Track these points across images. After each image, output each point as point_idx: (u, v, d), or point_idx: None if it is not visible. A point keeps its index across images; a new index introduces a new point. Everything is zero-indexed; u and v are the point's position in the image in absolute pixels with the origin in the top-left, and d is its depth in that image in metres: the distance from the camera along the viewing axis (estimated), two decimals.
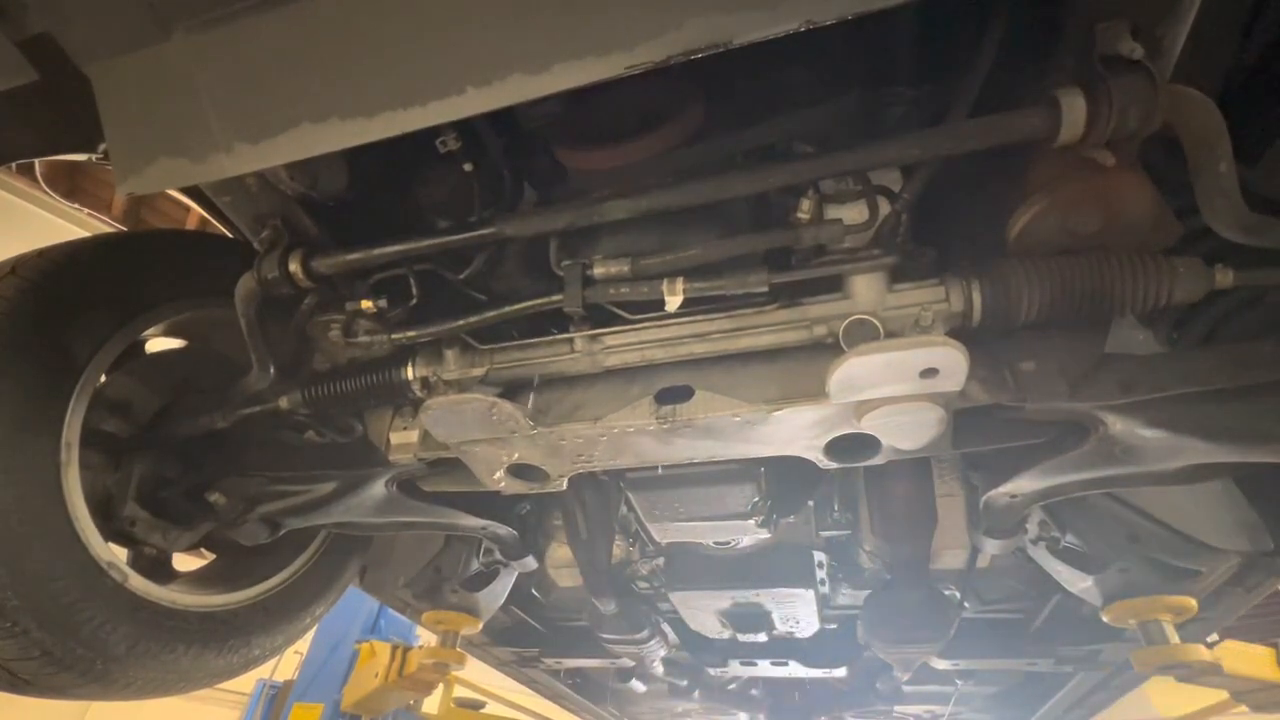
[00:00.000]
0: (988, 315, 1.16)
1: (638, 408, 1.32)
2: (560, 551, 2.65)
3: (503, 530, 2.13)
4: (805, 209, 1.16)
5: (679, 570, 2.54)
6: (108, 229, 5.88)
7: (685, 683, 3.58)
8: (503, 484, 1.53)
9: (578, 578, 2.34)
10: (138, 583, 1.45)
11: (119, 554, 1.46)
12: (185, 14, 0.98)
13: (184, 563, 1.76)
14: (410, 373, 1.43)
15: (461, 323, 1.35)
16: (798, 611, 2.58)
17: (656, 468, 1.73)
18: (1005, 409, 1.28)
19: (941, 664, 2.80)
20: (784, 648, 3.18)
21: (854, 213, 1.21)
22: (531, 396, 1.43)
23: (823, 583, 2.51)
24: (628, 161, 1.24)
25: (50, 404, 1.34)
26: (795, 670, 3.26)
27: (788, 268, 1.22)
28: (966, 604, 2.51)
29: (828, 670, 3.26)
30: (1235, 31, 1.20)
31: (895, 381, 1.13)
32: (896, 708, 4.17)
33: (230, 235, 1.81)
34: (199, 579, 1.75)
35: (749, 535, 2.12)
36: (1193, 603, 1.97)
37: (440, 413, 1.33)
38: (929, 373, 1.10)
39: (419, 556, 2.51)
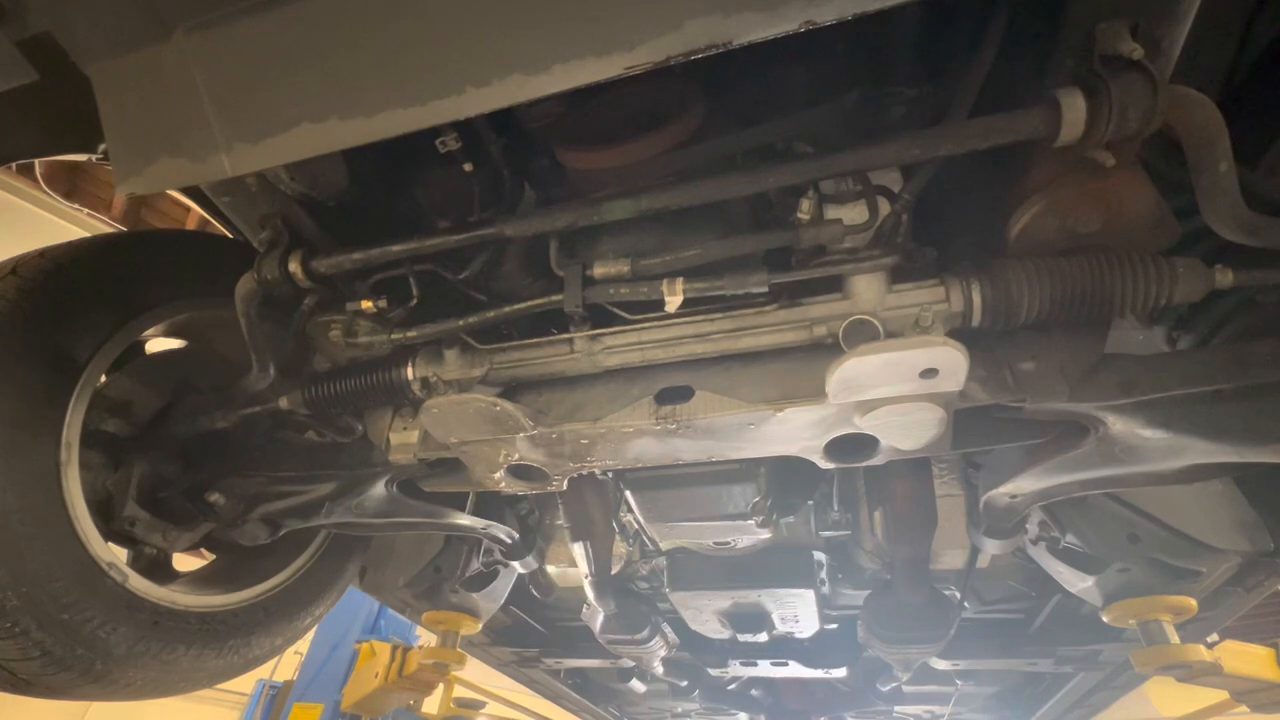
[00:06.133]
0: (988, 315, 1.16)
1: (638, 408, 1.32)
2: (560, 551, 2.65)
3: (503, 530, 2.13)
4: (805, 209, 1.16)
5: (679, 570, 2.54)
6: (108, 229, 5.88)
7: (685, 683, 3.58)
8: (503, 484, 1.53)
9: (578, 578, 2.34)
10: (138, 583, 1.45)
11: (119, 554, 1.46)
12: (185, 14, 0.98)
13: (184, 563, 1.76)
14: (410, 373, 1.43)
15: (461, 323, 1.35)
16: (798, 611, 2.58)
17: (656, 468, 1.73)
18: (1005, 409, 1.28)
19: (941, 664, 2.80)
20: (784, 648, 3.18)
21: (854, 213, 1.21)
22: (531, 397, 1.43)
23: (823, 583, 2.51)
24: (628, 161, 1.24)
25: (50, 404, 1.34)
26: (795, 670, 3.27)
27: (788, 268, 1.22)
28: (966, 604, 2.51)
29: (828, 670, 3.26)
30: (1235, 31, 1.20)
31: (895, 382, 1.13)
32: (896, 708, 4.17)
33: (230, 235, 1.81)
34: (199, 579, 1.75)
35: (749, 535, 2.12)
36: (1193, 603, 1.98)
37: (440, 413, 1.33)
38: (929, 373, 1.10)
39: (419, 556, 2.51)
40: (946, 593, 2.35)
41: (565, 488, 1.56)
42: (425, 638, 4.98)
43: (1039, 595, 2.60)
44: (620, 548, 2.36)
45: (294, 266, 1.30)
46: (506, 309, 1.33)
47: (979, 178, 1.29)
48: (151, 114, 1.03)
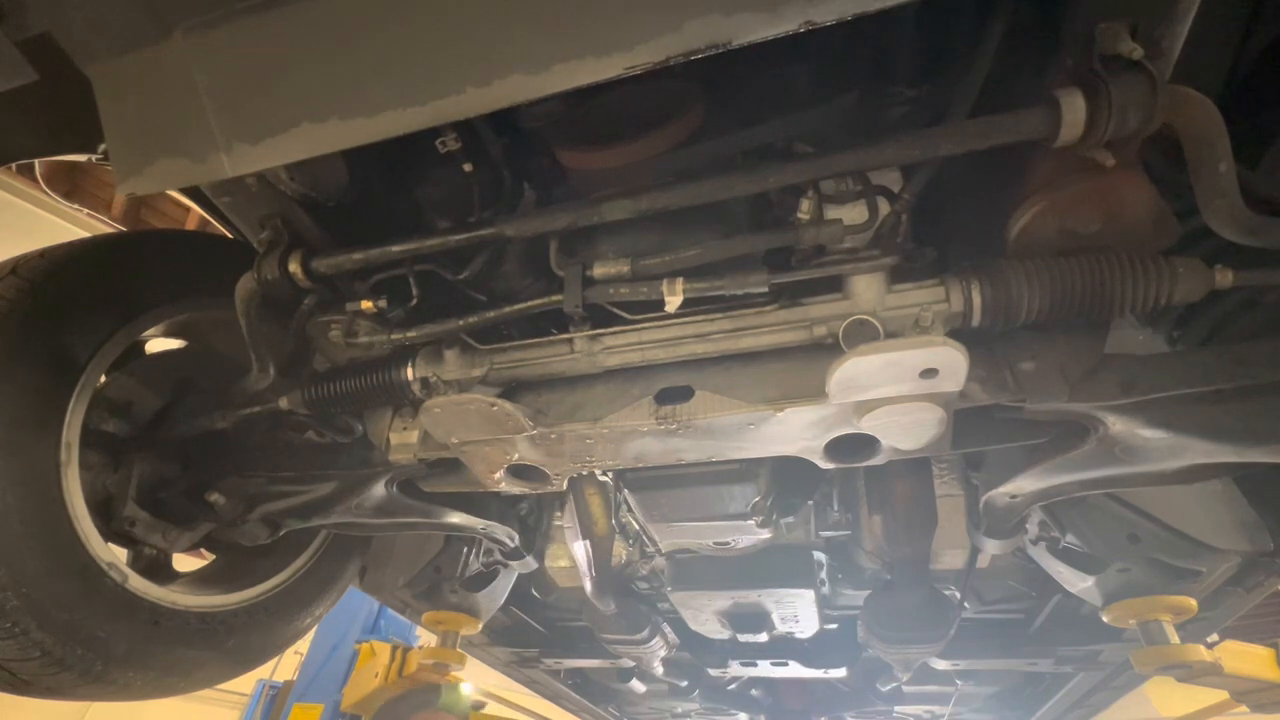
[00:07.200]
0: (988, 315, 1.16)
1: (638, 408, 1.32)
2: (560, 551, 2.65)
3: (503, 531, 2.13)
4: (805, 209, 1.16)
5: (679, 571, 2.54)
6: (108, 229, 5.87)
7: (685, 683, 3.58)
8: (503, 484, 1.53)
9: (578, 578, 2.34)
10: (138, 583, 1.45)
11: (119, 554, 1.46)
12: (185, 14, 0.98)
13: (184, 563, 1.76)
14: (410, 373, 1.43)
15: (461, 323, 1.35)
16: (798, 611, 2.58)
17: (657, 468, 1.73)
18: (1005, 409, 1.28)
19: (941, 664, 2.80)
20: (784, 648, 3.18)
21: (854, 213, 1.21)
22: (531, 397, 1.43)
23: (823, 583, 2.51)
24: (628, 161, 1.24)
25: (50, 404, 1.34)
26: (795, 670, 3.26)
27: (788, 268, 1.22)
28: (966, 604, 2.51)
29: (827, 670, 3.26)
30: (1235, 32, 1.20)
31: (895, 382, 1.13)
32: (896, 708, 4.17)
33: (230, 235, 1.81)
34: (199, 579, 1.75)
35: (749, 535, 2.12)
36: (1193, 603, 1.97)
37: (440, 413, 1.33)
38: (929, 373, 1.10)
39: (419, 556, 2.51)
40: (946, 593, 2.35)
41: (565, 488, 1.56)
42: (425, 638, 4.98)
43: (1039, 595, 2.60)
44: (620, 548, 2.36)
45: (294, 267, 1.30)
46: (506, 309, 1.33)
47: (979, 178, 1.29)
48: (151, 114, 1.03)
